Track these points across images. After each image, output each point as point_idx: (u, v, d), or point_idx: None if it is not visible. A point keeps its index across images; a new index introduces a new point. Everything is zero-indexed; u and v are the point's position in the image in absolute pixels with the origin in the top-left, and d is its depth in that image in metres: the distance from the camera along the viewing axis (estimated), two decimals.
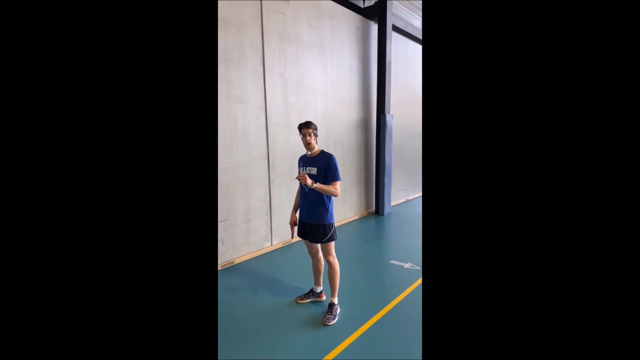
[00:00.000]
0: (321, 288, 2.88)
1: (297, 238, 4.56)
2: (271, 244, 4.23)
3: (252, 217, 3.94)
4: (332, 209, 2.54)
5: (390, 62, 5.61)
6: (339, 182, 2.43)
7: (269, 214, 4.15)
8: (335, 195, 2.41)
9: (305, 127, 2.44)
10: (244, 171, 3.79)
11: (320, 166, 2.44)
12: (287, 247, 4.33)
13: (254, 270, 3.60)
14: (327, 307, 2.66)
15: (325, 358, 2.13)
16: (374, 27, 5.64)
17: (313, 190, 2.43)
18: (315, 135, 2.48)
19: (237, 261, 3.79)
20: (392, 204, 6.61)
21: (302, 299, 2.85)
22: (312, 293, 2.88)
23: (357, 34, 5.34)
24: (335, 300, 2.64)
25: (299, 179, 2.32)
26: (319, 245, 2.66)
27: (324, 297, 2.87)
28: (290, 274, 3.48)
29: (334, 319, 2.52)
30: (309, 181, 2.30)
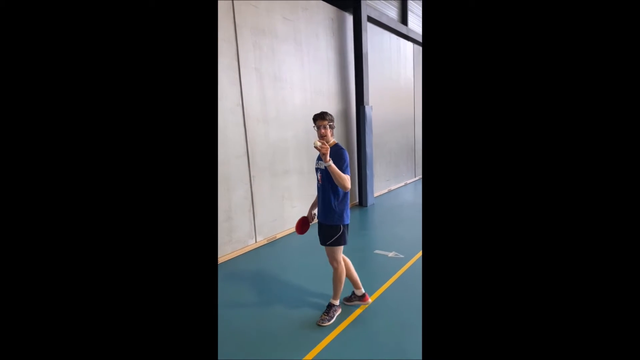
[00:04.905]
0: (362, 291, 2.66)
1: (283, 233, 4.54)
2: (255, 241, 4.20)
3: (234, 215, 3.89)
4: (342, 210, 2.33)
5: (366, 53, 5.61)
6: (347, 176, 2.21)
7: (251, 211, 4.10)
8: (345, 187, 2.20)
9: (320, 119, 2.26)
10: (223, 169, 3.72)
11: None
12: (271, 244, 4.30)
13: (239, 268, 3.56)
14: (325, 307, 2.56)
15: (313, 350, 2.14)
16: (349, 19, 5.62)
17: (324, 188, 2.32)
18: (332, 127, 2.30)
19: (221, 260, 3.74)
20: (375, 194, 6.67)
21: (348, 301, 2.70)
22: (354, 296, 2.70)
23: (332, 26, 5.30)
24: (336, 302, 2.53)
25: (317, 148, 2.09)
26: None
27: (369, 299, 2.68)
28: (277, 270, 3.47)
29: (329, 321, 2.44)
30: (327, 154, 2.09)
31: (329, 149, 2.13)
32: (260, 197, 4.20)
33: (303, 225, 2.64)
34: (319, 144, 2.09)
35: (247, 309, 2.70)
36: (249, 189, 4.06)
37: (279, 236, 4.49)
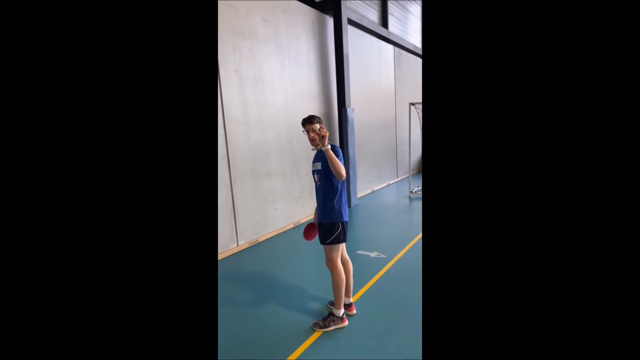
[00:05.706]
0: (350, 300, 2.55)
1: (265, 236, 4.50)
2: (237, 245, 4.15)
3: None
4: (340, 207, 2.32)
5: (347, 55, 5.65)
6: (342, 166, 2.22)
7: (232, 215, 4.05)
8: (340, 174, 2.15)
9: (308, 123, 2.25)
10: None
11: (324, 159, 2.24)
12: (254, 247, 4.26)
13: (221, 272, 3.50)
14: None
15: (295, 351, 2.13)
16: (330, 21, 5.65)
17: (321, 186, 2.32)
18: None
19: None
20: (359, 195, 6.71)
21: (332, 305, 2.56)
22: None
23: (313, 28, 5.32)
24: (339, 313, 2.38)
25: (315, 131, 2.16)
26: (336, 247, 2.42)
27: (354, 311, 2.55)
28: (259, 274, 3.44)
29: (320, 328, 2.34)
30: (326, 138, 2.14)
31: (326, 138, 2.18)
32: (241, 200, 4.15)
33: (310, 231, 2.59)
34: (317, 126, 2.16)
35: (230, 309, 2.66)
36: (230, 192, 4.01)
37: (261, 239, 4.45)
